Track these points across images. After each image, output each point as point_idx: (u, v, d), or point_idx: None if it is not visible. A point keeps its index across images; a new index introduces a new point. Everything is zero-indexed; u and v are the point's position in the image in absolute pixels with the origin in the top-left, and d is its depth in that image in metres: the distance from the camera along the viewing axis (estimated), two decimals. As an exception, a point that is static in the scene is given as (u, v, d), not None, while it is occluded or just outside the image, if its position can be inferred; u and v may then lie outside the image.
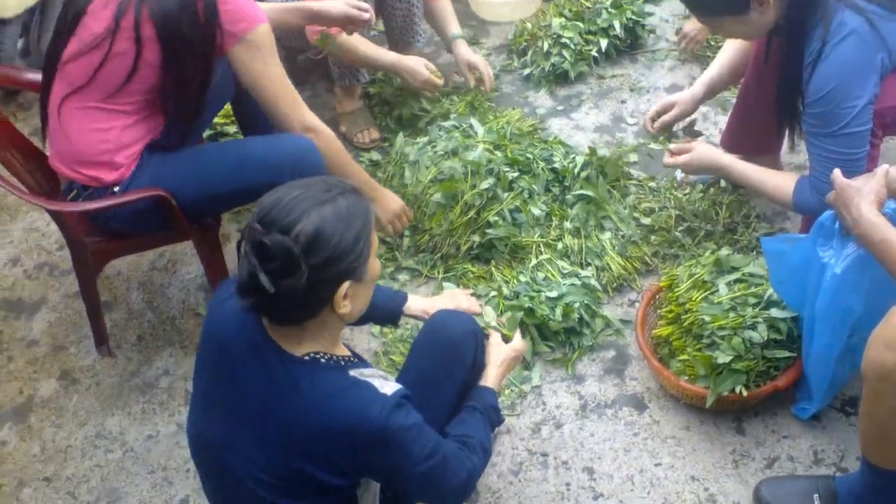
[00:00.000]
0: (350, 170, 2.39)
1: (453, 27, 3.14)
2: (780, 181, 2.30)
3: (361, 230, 1.48)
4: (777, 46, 2.25)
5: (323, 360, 1.53)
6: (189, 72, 2.09)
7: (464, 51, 3.10)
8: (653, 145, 2.72)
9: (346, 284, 1.48)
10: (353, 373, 1.53)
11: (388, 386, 1.53)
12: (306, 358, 1.52)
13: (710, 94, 2.65)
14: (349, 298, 1.50)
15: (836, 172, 1.90)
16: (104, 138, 2.13)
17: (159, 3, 2.02)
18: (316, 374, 1.51)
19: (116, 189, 2.16)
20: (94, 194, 2.17)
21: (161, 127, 2.20)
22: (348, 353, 1.62)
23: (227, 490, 1.65)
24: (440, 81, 2.98)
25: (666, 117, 2.62)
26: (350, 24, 2.56)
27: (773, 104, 2.30)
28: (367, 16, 2.53)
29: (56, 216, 2.35)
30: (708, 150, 2.43)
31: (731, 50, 2.59)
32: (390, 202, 2.55)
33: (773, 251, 2.06)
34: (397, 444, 1.50)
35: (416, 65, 2.92)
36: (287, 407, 1.50)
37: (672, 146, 2.48)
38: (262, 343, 1.53)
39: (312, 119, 2.27)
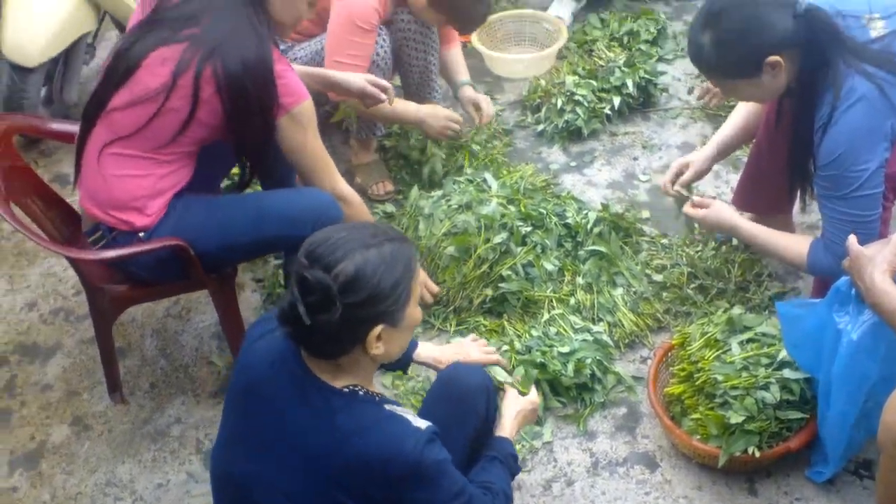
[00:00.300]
0: None
1: (462, 75, 3.22)
2: (793, 242, 2.32)
3: (401, 277, 1.53)
4: (788, 109, 2.28)
5: (361, 393, 1.57)
6: (250, 132, 2.16)
7: (469, 93, 3.18)
8: (679, 190, 2.67)
9: (379, 327, 1.52)
10: (387, 407, 1.57)
11: (420, 421, 1.56)
12: (345, 390, 1.56)
13: (723, 154, 2.67)
14: (382, 341, 1.54)
15: (852, 239, 1.90)
16: (140, 185, 2.17)
17: (224, 64, 2.06)
18: (354, 405, 1.55)
19: (142, 235, 2.19)
20: (120, 238, 2.20)
21: (191, 175, 2.24)
22: (380, 392, 1.65)
23: None
24: (461, 119, 3.03)
25: (684, 178, 2.62)
26: (366, 98, 2.63)
27: (784, 166, 2.33)
28: (383, 97, 2.61)
29: (74, 262, 2.38)
30: (723, 208, 2.45)
31: (744, 110, 2.61)
32: None
33: (788, 315, 2.07)
34: (430, 479, 1.53)
35: (435, 108, 2.99)
36: (325, 437, 1.53)
37: (695, 198, 2.51)
38: (303, 375, 1.57)
39: (344, 188, 2.37)
